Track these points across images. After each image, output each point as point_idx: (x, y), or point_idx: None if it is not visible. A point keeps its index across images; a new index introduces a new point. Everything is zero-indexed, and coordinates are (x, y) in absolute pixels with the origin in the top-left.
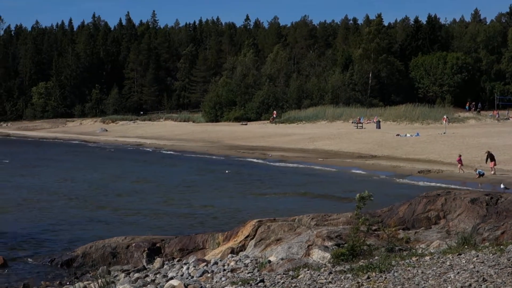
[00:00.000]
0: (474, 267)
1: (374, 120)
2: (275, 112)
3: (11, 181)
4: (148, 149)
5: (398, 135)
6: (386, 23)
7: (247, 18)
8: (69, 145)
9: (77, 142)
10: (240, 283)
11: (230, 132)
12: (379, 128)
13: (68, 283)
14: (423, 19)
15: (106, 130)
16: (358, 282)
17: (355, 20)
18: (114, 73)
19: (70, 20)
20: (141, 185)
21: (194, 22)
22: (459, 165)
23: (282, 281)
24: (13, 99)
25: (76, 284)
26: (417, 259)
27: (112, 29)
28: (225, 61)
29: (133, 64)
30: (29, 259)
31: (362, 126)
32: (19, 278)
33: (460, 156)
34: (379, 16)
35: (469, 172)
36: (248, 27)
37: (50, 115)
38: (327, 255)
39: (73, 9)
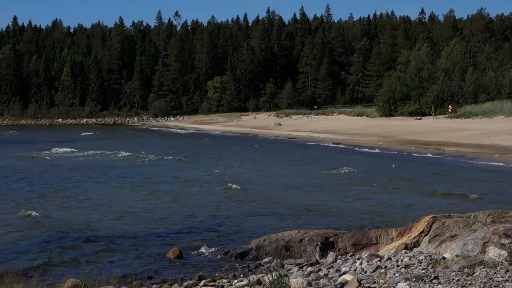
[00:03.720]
0: None
1: None
2: (450, 106)
3: (182, 175)
4: (322, 144)
5: None
6: None
7: (422, 12)
8: (244, 138)
9: (251, 135)
10: (414, 279)
11: (404, 127)
12: None
13: (242, 275)
14: None
15: (280, 124)
16: None
17: None
18: (288, 67)
19: (245, 15)
20: (312, 178)
21: (368, 16)
22: None
23: (457, 278)
24: (189, 93)
25: (250, 277)
26: None
27: (286, 23)
28: (399, 55)
29: (307, 58)
30: (203, 251)
31: None
32: (194, 269)
33: None
34: None
35: None
36: (423, 20)
37: (225, 109)
38: (504, 253)
39: (248, 4)
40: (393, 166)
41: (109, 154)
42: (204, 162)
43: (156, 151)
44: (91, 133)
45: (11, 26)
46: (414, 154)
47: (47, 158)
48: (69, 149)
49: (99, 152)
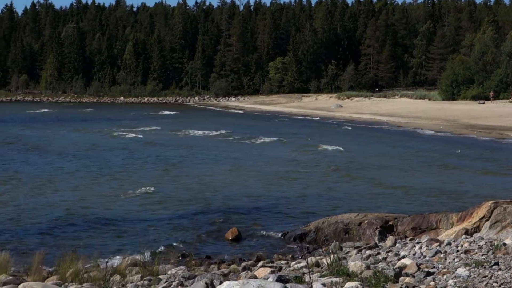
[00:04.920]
0: None
1: None
2: None
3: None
4: (384, 126)
5: None
6: None
7: None
8: (313, 121)
9: (312, 118)
10: (474, 265)
11: (467, 111)
12: None
13: (300, 257)
14: None
15: (341, 106)
16: None
17: None
18: (350, 49)
19: None
20: (373, 161)
21: None
22: None
23: None
24: (251, 74)
25: (308, 259)
26: None
27: (349, 5)
28: (463, 38)
29: (370, 40)
30: (262, 232)
31: None
32: (252, 250)
33: None
34: None
35: None
36: (489, 3)
37: (286, 90)
38: None
39: None
40: (458, 151)
41: (196, 133)
42: (297, 142)
43: (242, 131)
44: (170, 112)
45: (75, 4)
46: (477, 138)
47: (140, 136)
48: (155, 127)
49: (185, 130)
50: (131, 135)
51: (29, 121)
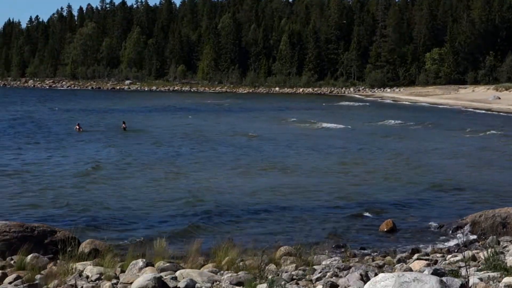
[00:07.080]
0: None
1: None
2: None
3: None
4: None
5: None
6: None
7: None
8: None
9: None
10: None
11: None
12: None
13: (456, 251)
14: None
15: (499, 98)
16: None
17: None
18: (509, 40)
19: None
20: None
21: None
22: None
23: None
24: (406, 65)
25: (464, 252)
26: None
27: None
28: None
29: None
30: (418, 224)
31: None
32: (407, 242)
33: None
34: None
35: None
36: None
37: (442, 82)
38: None
39: None
40: None
41: (395, 123)
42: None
43: (444, 122)
44: (350, 103)
45: None
46: None
47: (348, 126)
48: (352, 120)
49: (383, 120)
50: (339, 126)
51: (226, 112)
